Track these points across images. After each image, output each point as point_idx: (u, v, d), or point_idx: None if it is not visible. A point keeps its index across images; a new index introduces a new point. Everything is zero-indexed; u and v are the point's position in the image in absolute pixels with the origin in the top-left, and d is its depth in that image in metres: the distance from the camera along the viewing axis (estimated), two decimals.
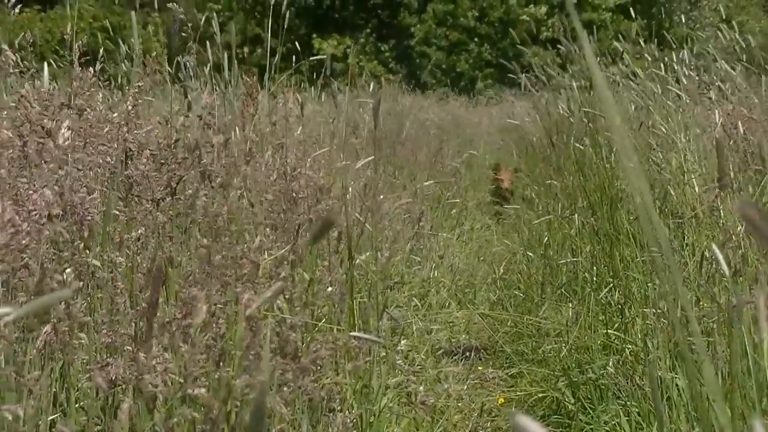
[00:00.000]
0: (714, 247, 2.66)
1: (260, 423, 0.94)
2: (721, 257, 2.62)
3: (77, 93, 3.40)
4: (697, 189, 4.07)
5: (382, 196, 5.35)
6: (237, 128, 4.26)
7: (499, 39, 29.34)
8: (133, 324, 2.69)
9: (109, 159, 3.31)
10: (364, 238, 4.35)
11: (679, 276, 1.06)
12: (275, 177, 3.90)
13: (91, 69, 3.51)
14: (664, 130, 4.61)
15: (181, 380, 2.51)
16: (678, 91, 4.99)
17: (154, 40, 8.08)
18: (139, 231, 3.21)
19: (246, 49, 21.77)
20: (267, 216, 3.63)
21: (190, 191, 3.39)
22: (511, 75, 8.24)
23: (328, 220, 1.83)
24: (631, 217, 5.02)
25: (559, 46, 7.38)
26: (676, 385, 3.56)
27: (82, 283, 2.75)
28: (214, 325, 2.64)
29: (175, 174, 3.42)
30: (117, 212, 3.20)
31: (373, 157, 4.43)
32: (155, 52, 4.77)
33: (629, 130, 5.32)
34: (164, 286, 2.87)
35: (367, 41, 29.32)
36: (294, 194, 3.76)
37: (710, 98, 4.75)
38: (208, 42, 5.19)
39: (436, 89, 20.20)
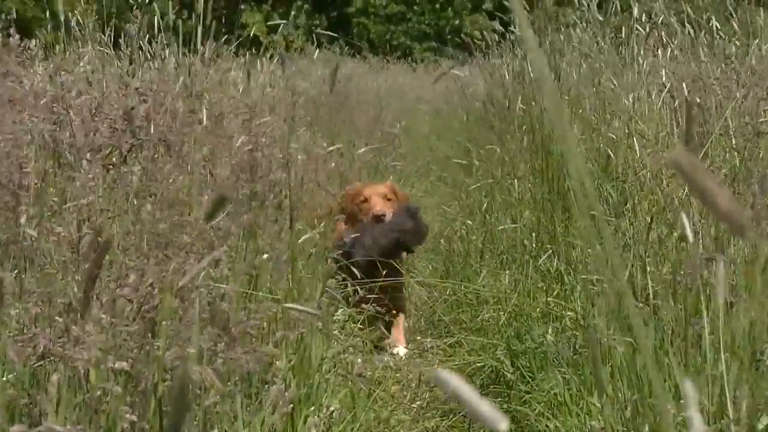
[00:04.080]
0: (683, 216, 2.64)
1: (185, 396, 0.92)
2: (687, 224, 2.60)
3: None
4: (638, 152, 4.07)
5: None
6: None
7: (440, 9, 29.27)
8: (65, 295, 2.64)
9: (42, 127, 3.25)
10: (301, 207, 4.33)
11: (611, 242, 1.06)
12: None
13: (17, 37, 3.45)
14: (612, 87, 4.59)
15: (110, 353, 2.47)
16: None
17: (86, 8, 7.93)
18: (79, 202, 3.13)
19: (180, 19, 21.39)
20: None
21: (140, 163, 3.34)
22: (448, 46, 8.23)
23: (221, 196, 1.78)
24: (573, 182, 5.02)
25: (499, 14, 7.37)
26: (618, 352, 3.56)
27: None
28: (148, 297, 2.61)
29: (127, 142, 3.37)
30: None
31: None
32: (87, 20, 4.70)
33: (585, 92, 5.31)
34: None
35: (300, 13, 28.95)
36: (251, 165, 3.73)
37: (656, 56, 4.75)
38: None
39: (375, 55, 20.10)
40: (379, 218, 5.32)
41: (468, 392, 0.89)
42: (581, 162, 0.90)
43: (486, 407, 0.89)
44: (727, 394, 2.63)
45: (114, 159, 3.32)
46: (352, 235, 5.16)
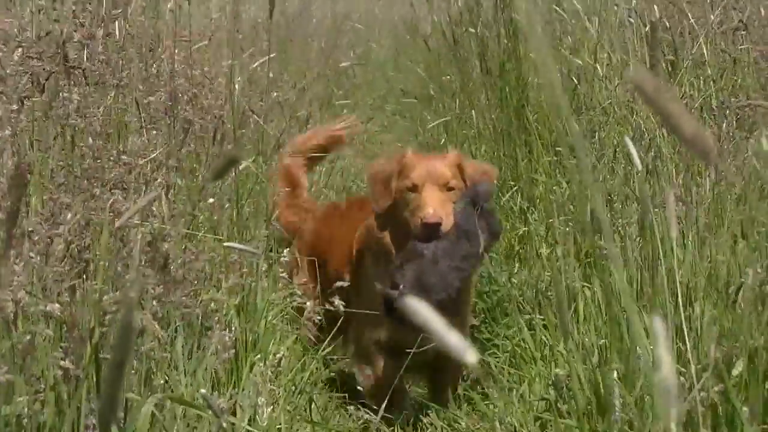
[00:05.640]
0: (627, 140, 2.60)
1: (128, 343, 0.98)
2: (634, 151, 2.56)
3: None
4: (605, 81, 4.03)
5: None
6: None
7: None
8: None
9: None
10: (246, 141, 4.26)
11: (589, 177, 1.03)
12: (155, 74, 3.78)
13: None
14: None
15: (40, 296, 2.43)
16: None
17: None
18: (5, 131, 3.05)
19: None
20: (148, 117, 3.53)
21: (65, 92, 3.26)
22: None
23: (231, 155, 1.76)
24: (536, 115, 4.97)
25: None
26: (585, 295, 3.54)
27: None
28: (81, 236, 2.56)
29: (44, 69, 3.29)
30: None
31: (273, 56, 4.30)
32: None
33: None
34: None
35: None
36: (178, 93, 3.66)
37: None
38: None
39: None
40: (432, 228, 3.64)
41: (437, 323, 0.94)
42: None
43: (455, 338, 0.94)
44: (687, 339, 2.58)
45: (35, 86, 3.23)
46: (403, 275, 3.64)
